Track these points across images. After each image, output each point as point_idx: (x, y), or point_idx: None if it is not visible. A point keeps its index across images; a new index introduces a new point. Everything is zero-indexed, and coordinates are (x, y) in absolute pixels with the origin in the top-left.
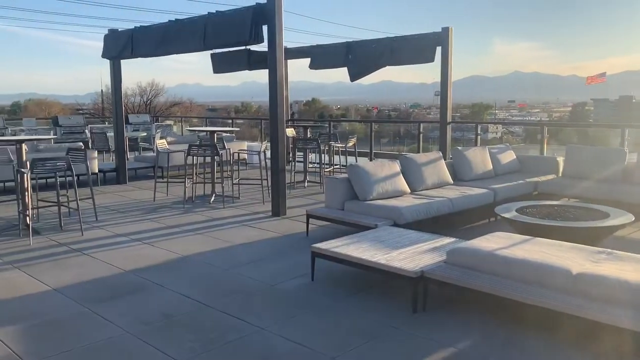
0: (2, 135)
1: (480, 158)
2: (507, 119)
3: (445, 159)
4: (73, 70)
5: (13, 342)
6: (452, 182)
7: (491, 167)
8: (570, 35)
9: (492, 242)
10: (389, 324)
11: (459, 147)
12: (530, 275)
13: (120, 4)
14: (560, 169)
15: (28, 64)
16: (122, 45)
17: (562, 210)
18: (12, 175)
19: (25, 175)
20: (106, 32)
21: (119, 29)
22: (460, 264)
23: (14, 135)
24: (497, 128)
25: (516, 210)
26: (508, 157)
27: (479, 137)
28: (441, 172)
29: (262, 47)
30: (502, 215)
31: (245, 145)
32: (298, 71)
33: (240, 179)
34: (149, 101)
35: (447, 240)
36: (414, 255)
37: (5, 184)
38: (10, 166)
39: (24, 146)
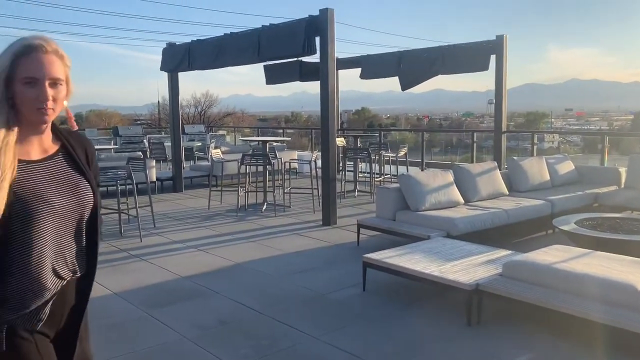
0: None
1: (537, 168)
2: (564, 127)
3: (500, 169)
4: (132, 82)
5: None
6: (507, 192)
7: (548, 177)
8: (631, 41)
9: (550, 255)
10: (443, 337)
11: (515, 157)
12: (592, 290)
13: (178, 19)
14: (623, 180)
15: (89, 77)
16: (179, 59)
17: (624, 222)
18: None
19: None
20: (164, 45)
21: (177, 43)
22: (517, 277)
23: None
24: (553, 137)
25: (575, 223)
26: (566, 167)
27: (535, 146)
28: (496, 182)
29: (314, 58)
30: (561, 227)
31: (295, 154)
32: (347, 80)
33: (291, 187)
34: (203, 112)
35: (502, 252)
36: (469, 267)
37: None
38: None
39: None
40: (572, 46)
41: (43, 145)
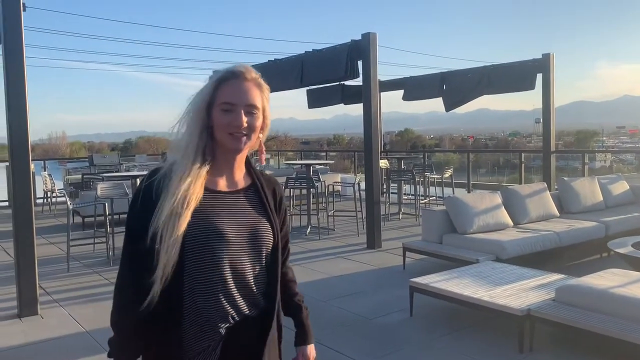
0: (117, 170)
1: (589, 189)
2: (616, 146)
3: (550, 190)
4: (179, 109)
5: None
6: (558, 214)
7: (601, 198)
8: None
9: (606, 280)
10: None
11: (565, 178)
12: None
13: (223, 48)
14: None
15: (138, 105)
16: None
17: None
18: (127, 207)
19: None
20: (211, 73)
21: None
22: (571, 302)
23: (128, 170)
24: (605, 156)
25: (632, 245)
26: (620, 187)
27: (586, 166)
28: (546, 204)
29: (356, 81)
30: (616, 250)
31: (339, 177)
32: (390, 102)
33: (335, 210)
34: None
35: (555, 276)
36: (520, 292)
37: (120, 216)
38: (125, 199)
39: (138, 181)
40: (622, 61)
41: (234, 178)
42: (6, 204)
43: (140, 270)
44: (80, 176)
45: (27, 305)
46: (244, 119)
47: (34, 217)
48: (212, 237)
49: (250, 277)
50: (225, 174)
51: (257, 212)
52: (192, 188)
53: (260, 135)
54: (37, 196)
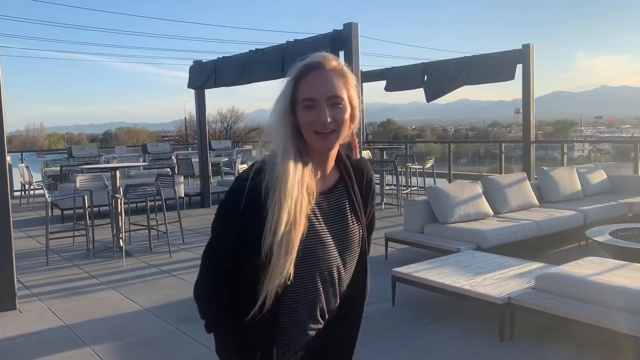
0: (97, 162)
1: (567, 178)
2: (594, 135)
3: (529, 180)
4: (159, 100)
5: (110, 358)
6: (538, 203)
7: (580, 187)
8: None
9: (585, 268)
10: (475, 353)
11: (545, 167)
12: (630, 304)
13: (203, 37)
14: None
15: (118, 95)
16: (206, 76)
17: None
18: (107, 200)
19: (119, 200)
20: (191, 63)
21: (203, 60)
22: (550, 290)
23: (107, 162)
24: (583, 146)
25: (609, 234)
26: (598, 176)
27: (565, 155)
28: (526, 193)
29: None
30: (594, 238)
31: None
32: (372, 93)
33: None
34: (229, 127)
35: (534, 265)
36: (500, 280)
37: (100, 208)
38: (105, 192)
39: (118, 173)
40: (601, 53)
41: (326, 177)
42: None
43: (249, 283)
44: (58, 168)
45: (5, 300)
46: (328, 113)
47: (10, 210)
48: (315, 245)
49: (343, 281)
50: (319, 174)
51: (349, 212)
52: (301, 193)
53: (352, 126)
54: (15, 189)
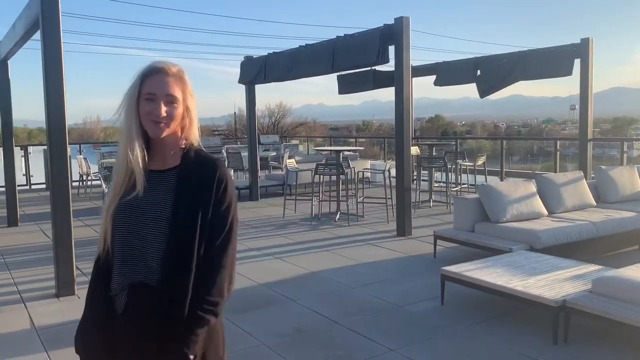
0: None
1: (627, 178)
2: None
3: (586, 179)
4: (210, 95)
5: None
6: (594, 204)
7: None
8: None
9: None
10: (526, 355)
11: (603, 166)
12: None
13: (255, 33)
14: None
15: None
16: (256, 71)
17: None
18: None
19: None
20: (242, 59)
21: (254, 56)
22: (608, 294)
23: None
24: None
25: None
26: None
27: (625, 154)
28: (582, 193)
29: (387, 66)
30: None
31: (368, 164)
32: (420, 88)
33: (365, 197)
34: (277, 122)
35: (591, 267)
36: (554, 282)
37: None
38: None
39: None
40: None
41: (165, 159)
42: (44, 186)
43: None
44: (114, 160)
45: (64, 286)
46: (164, 108)
47: (70, 200)
48: (116, 205)
49: (145, 248)
50: (157, 155)
51: (165, 192)
52: (137, 167)
53: (184, 123)
54: (73, 179)
